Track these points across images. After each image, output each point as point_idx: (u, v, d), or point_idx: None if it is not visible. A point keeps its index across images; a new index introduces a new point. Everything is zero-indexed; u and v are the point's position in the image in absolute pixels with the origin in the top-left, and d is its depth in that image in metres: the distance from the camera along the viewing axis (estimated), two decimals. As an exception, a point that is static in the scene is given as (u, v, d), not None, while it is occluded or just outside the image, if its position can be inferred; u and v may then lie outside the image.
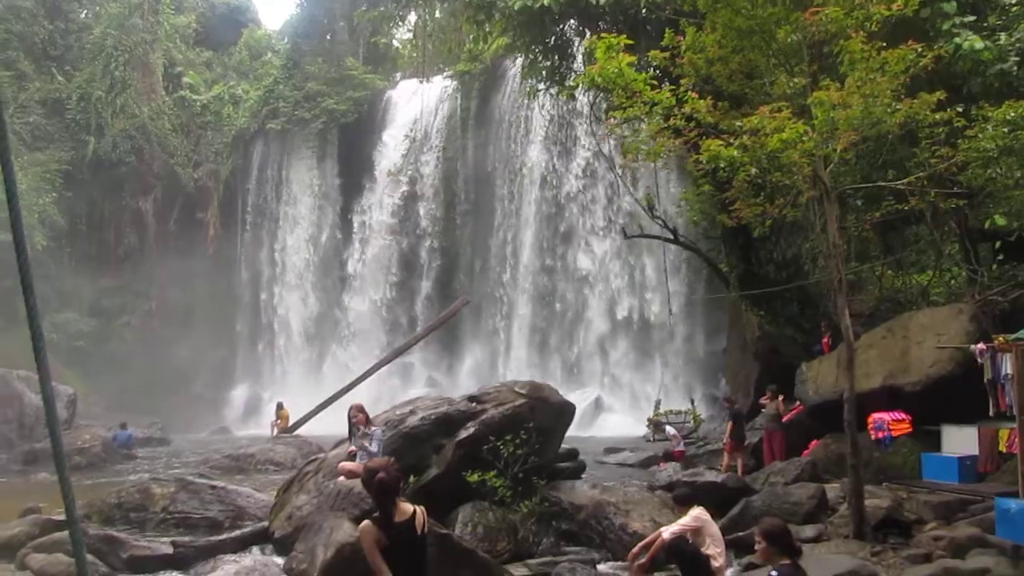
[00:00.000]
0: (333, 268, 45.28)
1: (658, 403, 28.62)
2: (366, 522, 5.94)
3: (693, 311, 33.89)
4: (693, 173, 18.33)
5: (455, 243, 42.81)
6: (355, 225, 44.71)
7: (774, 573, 6.51)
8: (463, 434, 13.01)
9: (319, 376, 40.58)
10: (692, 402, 28.24)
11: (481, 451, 12.60)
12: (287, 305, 45.62)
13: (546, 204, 39.65)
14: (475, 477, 12.36)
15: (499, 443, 12.48)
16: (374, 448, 12.44)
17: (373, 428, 12.89)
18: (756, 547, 7.04)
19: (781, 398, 18.56)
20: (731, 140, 12.24)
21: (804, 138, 11.40)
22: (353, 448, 12.95)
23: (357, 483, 11.17)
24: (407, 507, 6.05)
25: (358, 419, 13.02)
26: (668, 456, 19.61)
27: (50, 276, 41.00)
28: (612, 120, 16.08)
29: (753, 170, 12.60)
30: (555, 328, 38.32)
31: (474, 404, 13.60)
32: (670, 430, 20.96)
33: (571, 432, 27.38)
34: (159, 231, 45.77)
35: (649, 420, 27.17)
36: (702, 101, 12.85)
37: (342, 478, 12.18)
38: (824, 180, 12.30)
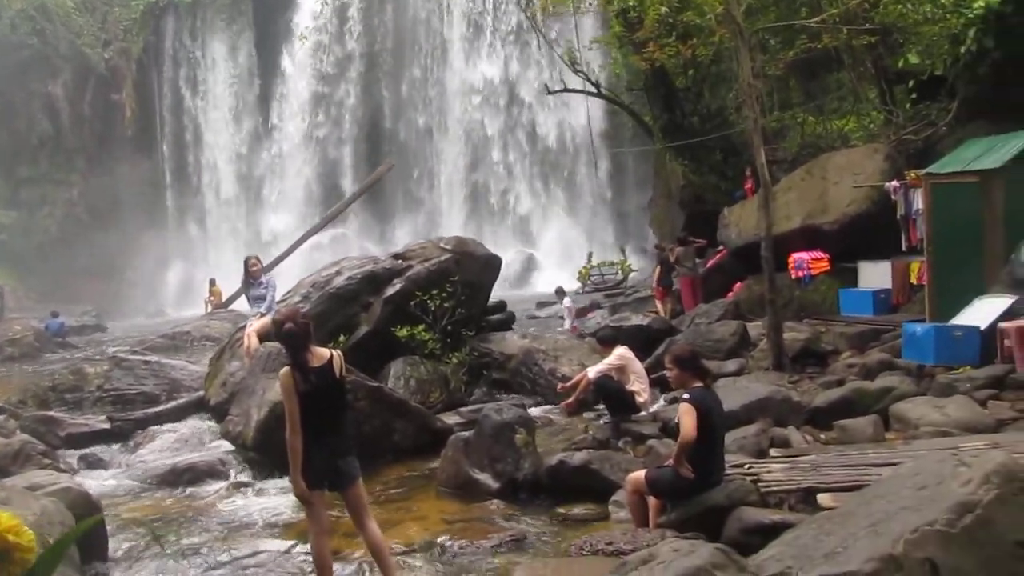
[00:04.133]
0: (256, 141, 44.30)
1: (590, 255, 28.99)
2: (285, 368, 6.05)
3: (620, 165, 34.05)
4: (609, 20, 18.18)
5: (379, 108, 42.06)
6: (275, 96, 43.62)
7: (686, 396, 6.80)
8: (390, 291, 13.15)
9: (250, 251, 40.20)
10: (623, 252, 28.63)
11: (409, 307, 12.77)
12: (213, 182, 44.71)
13: (471, 61, 39.04)
14: (404, 332, 12.56)
15: (426, 298, 12.64)
16: (272, 295, 12.78)
17: (266, 277, 13.14)
18: (668, 374, 7.34)
19: (671, 247, 19.14)
20: (642, -20, 12.16)
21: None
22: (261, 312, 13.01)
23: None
24: (323, 352, 6.16)
25: (256, 268, 13.22)
26: (595, 305, 20.04)
27: (-39, 171, 39.69)
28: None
29: (663, 8, 12.53)
30: (486, 188, 38.34)
31: (400, 261, 13.69)
32: (567, 302, 20.38)
33: (505, 291, 27.79)
34: (73, 116, 44.02)
35: (580, 273, 27.62)
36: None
37: (255, 343, 12.25)
38: (737, 19, 12.30)
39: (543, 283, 31.62)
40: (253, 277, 13.59)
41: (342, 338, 12.82)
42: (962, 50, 14.35)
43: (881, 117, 19.05)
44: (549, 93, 24.62)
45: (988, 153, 13.34)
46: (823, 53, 18.51)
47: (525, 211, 37.17)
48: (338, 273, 13.64)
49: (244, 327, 13.50)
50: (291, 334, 6.00)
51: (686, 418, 6.57)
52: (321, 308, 13.13)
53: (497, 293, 17.63)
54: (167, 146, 45.38)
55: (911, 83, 17.20)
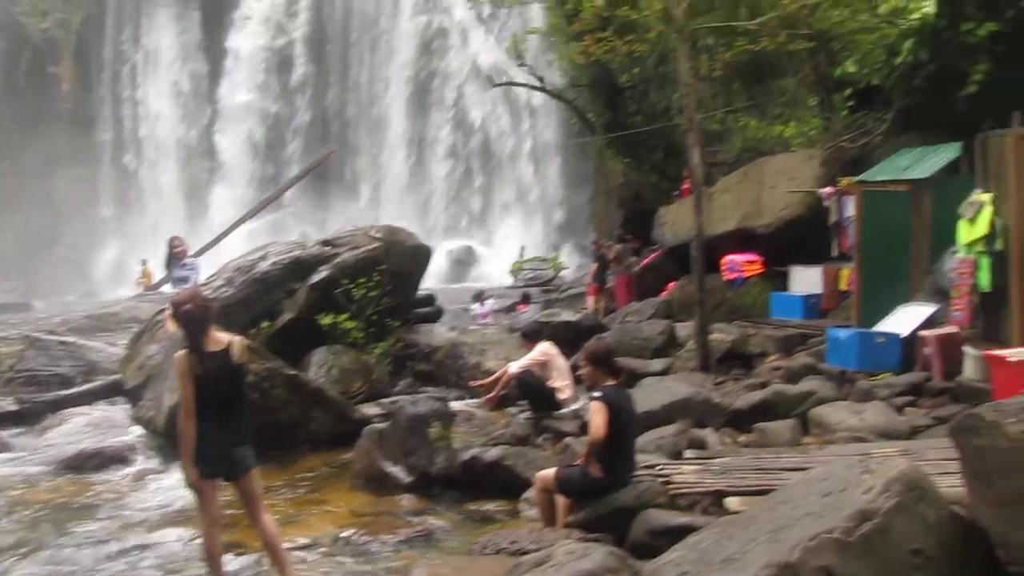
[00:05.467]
0: (199, 121, 43.51)
1: (523, 250, 29.01)
2: (181, 351, 5.83)
3: (564, 162, 34.03)
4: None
5: (325, 92, 41.52)
6: (221, 74, 42.81)
7: (597, 394, 6.68)
8: (315, 278, 12.87)
9: (188, 233, 39.39)
10: (556, 249, 28.73)
11: (334, 295, 12.53)
12: (152, 160, 43.83)
13: (420, 51, 38.75)
14: (328, 320, 12.32)
15: (352, 286, 12.42)
16: (196, 277, 12.46)
17: (191, 259, 12.83)
18: (581, 371, 7.23)
19: (609, 245, 19.10)
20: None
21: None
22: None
23: None
24: (223, 337, 5.95)
25: (181, 249, 12.91)
26: (527, 299, 19.91)
27: None
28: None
29: (599, 1, 12.40)
30: (428, 179, 38.09)
31: (327, 248, 13.43)
32: (488, 304, 19.49)
33: (443, 283, 27.63)
34: (6, 87, 42.90)
35: (512, 268, 27.67)
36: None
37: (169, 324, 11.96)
38: (676, 17, 12.24)
39: (481, 276, 31.51)
40: (177, 258, 13.29)
41: (265, 324, 12.57)
42: (897, 61, 14.44)
43: (820, 124, 19.19)
44: (494, 86, 24.48)
45: (919, 163, 13.48)
46: (768, 59, 18.56)
47: (465, 203, 36.98)
48: (263, 258, 13.33)
49: (165, 309, 13.14)
50: (189, 315, 5.78)
51: (596, 416, 6.46)
52: (245, 293, 12.86)
53: (432, 285, 17.51)
54: (106, 122, 44.37)
55: (848, 91, 17.34)
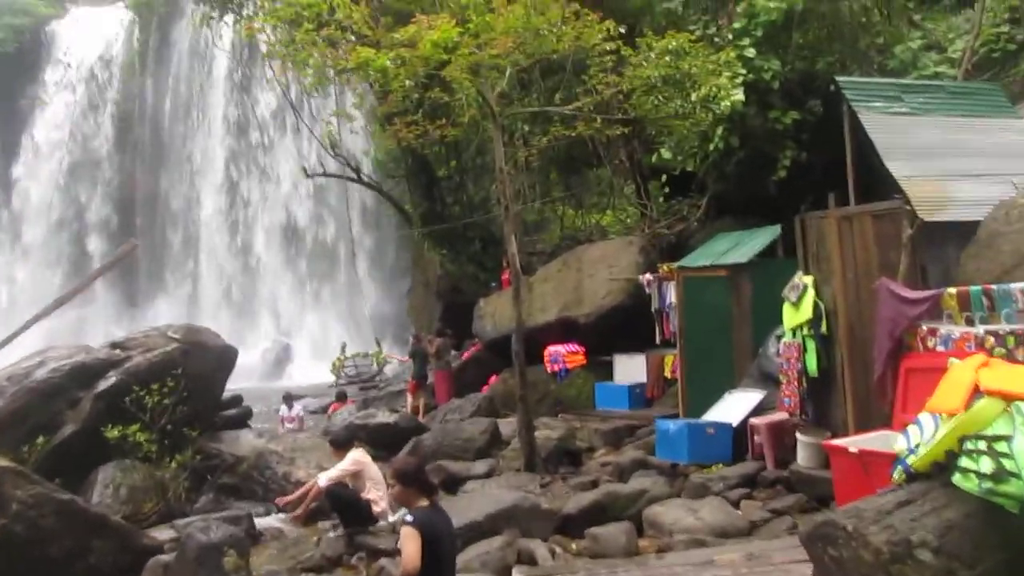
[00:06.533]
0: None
1: (344, 347, 28.02)
2: None
3: (382, 254, 33.32)
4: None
5: (130, 187, 39.40)
6: (16, 177, 39.97)
7: (409, 518, 5.78)
8: (102, 385, 11.57)
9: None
10: (378, 344, 27.81)
11: (124, 403, 11.20)
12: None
13: (230, 150, 37.54)
14: (115, 433, 10.96)
15: (144, 393, 11.13)
16: None
17: None
18: (391, 490, 6.36)
19: (430, 338, 18.44)
20: (389, 53, 11.43)
21: (457, 39, 10.74)
22: None
23: None
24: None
25: None
26: (342, 397, 18.73)
27: None
28: (257, 24, 14.78)
29: (408, 82, 11.83)
30: (243, 278, 36.54)
31: (117, 351, 12.13)
32: (296, 409, 17.76)
33: (259, 382, 26.09)
34: None
35: (333, 365, 26.60)
36: (357, 8, 11.95)
37: None
38: (490, 102, 11.82)
39: (299, 375, 30.12)
40: None
41: (41, 440, 11.13)
42: (711, 147, 14.57)
43: (636, 211, 19.25)
44: (307, 176, 23.46)
45: (736, 248, 13.50)
46: (584, 148, 18.55)
47: (282, 299, 35.65)
48: (41, 364, 11.87)
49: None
50: None
51: (409, 544, 5.54)
52: (18, 404, 11.44)
53: (247, 384, 16.20)
54: None
55: (664, 178, 17.44)
